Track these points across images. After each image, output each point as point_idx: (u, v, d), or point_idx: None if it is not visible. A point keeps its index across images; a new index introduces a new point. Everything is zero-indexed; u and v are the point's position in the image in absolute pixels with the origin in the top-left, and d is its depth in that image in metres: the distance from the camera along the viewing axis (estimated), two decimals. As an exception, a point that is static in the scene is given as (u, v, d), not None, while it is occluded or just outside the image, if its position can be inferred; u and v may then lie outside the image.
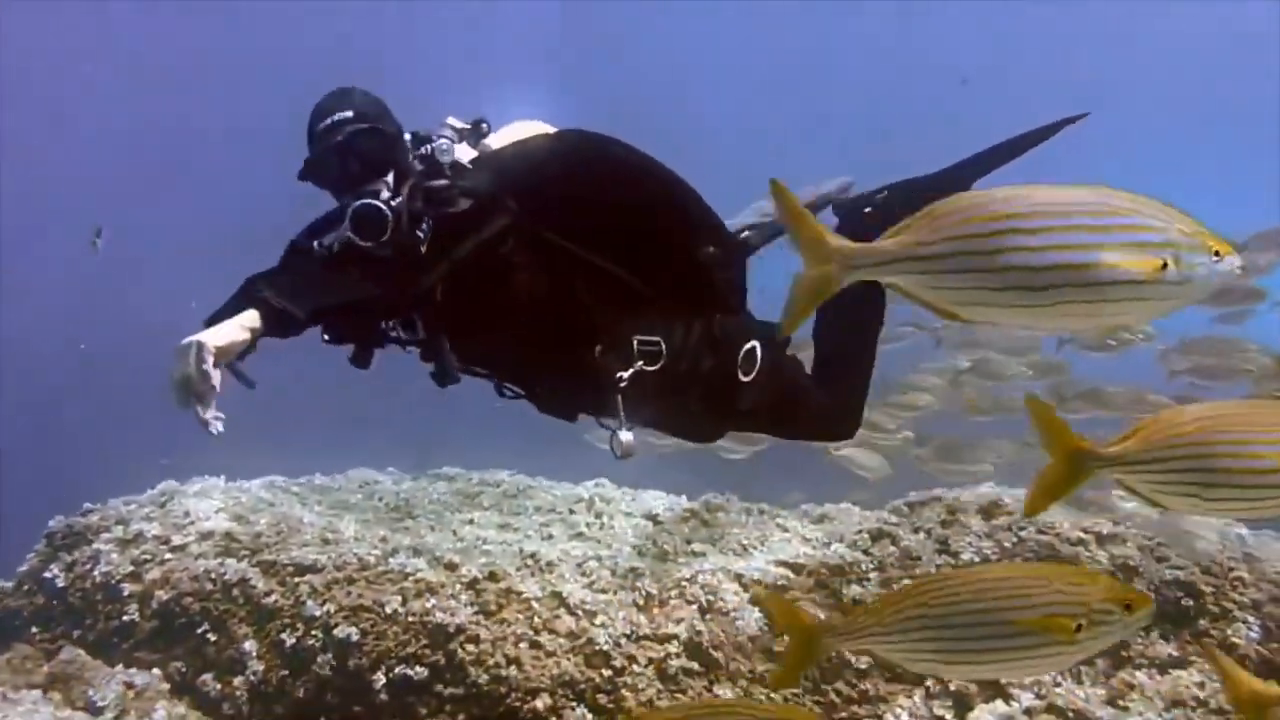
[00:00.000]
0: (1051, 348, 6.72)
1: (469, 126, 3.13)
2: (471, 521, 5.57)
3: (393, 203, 2.82)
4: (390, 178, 2.88)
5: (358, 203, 2.79)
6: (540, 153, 3.08)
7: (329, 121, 2.88)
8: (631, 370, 3.08)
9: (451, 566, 4.60)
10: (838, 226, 3.70)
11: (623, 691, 4.05)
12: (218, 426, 2.58)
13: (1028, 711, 3.82)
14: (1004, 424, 6.66)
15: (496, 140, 3.15)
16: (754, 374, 3.34)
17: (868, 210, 3.68)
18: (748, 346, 3.34)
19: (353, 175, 2.86)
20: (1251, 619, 4.07)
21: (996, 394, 6.70)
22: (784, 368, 3.52)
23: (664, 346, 3.14)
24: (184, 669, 4.46)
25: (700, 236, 3.19)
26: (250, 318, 2.53)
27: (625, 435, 3.12)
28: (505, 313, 2.97)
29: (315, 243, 2.92)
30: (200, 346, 2.40)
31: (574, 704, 4.03)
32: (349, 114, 2.88)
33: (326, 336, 2.93)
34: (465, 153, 3.06)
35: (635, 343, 3.11)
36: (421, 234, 2.79)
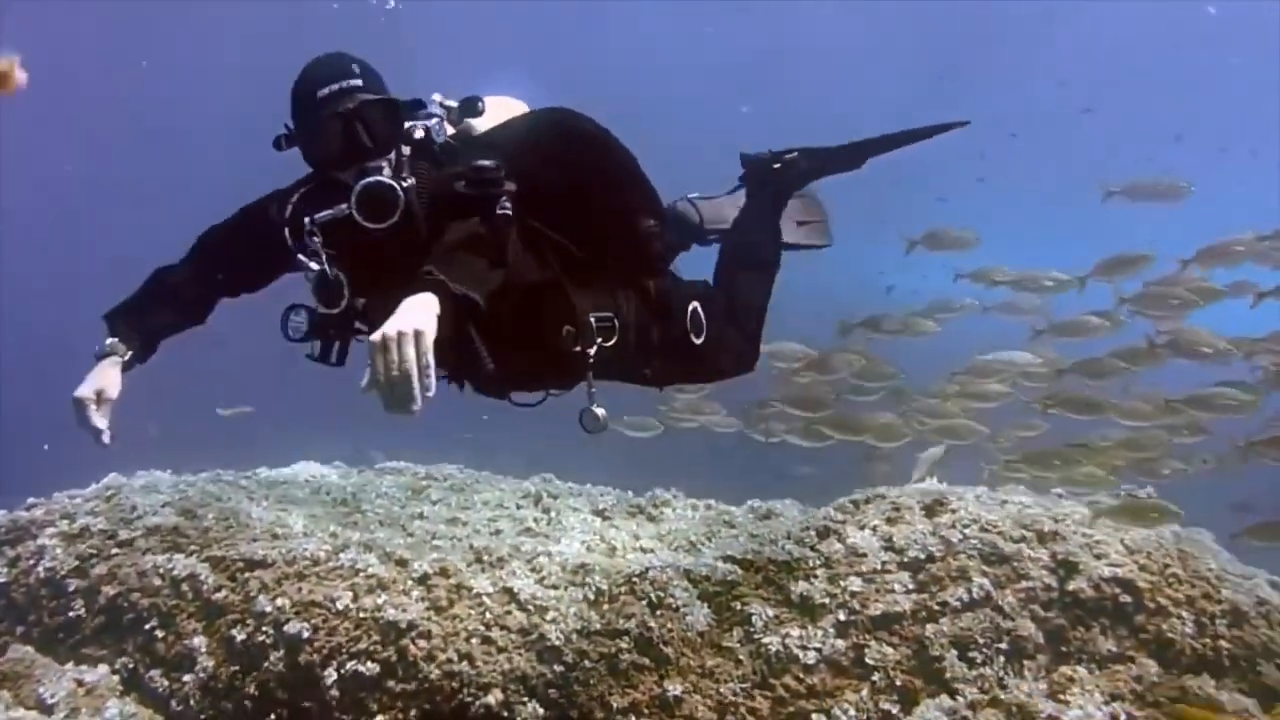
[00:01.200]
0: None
1: (456, 105, 3.03)
2: (421, 516, 5.57)
3: (404, 183, 2.70)
4: (393, 155, 2.75)
5: (368, 180, 2.66)
6: (525, 135, 3.06)
7: (335, 88, 2.70)
8: (595, 347, 3.09)
9: (402, 562, 4.60)
10: (743, 175, 3.93)
11: (574, 687, 4.08)
12: (106, 437, 2.57)
13: (972, 706, 3.89)
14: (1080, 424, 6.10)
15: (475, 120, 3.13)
16: (704, 335, 3.43)
17: (776, 166, 3.80)
18: (691, 308, 3.41)
19: (360, 149, 2.69)
20: (1186, 614, 4.19)
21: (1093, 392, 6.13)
22: (721, 323, 3.63)
23: (616, 320, 3.17)
24: (132, 665, 4.41)
25: (645, 209, 3.23)
26: (431, 303, 2.34)
27: (599, 410, 3.14)
28: (500, 298, 2.81)
29: (308, 219, 2.74)
30: (420, 337, 2.22)
31: (526, 699, 4.05)
32: (357, 82, 2.72)
33: (293, 335, 2.87)
34: (446, 131, 3.02)
35: (594, 319, 3.11)
36: (505, 212, 2.67)
